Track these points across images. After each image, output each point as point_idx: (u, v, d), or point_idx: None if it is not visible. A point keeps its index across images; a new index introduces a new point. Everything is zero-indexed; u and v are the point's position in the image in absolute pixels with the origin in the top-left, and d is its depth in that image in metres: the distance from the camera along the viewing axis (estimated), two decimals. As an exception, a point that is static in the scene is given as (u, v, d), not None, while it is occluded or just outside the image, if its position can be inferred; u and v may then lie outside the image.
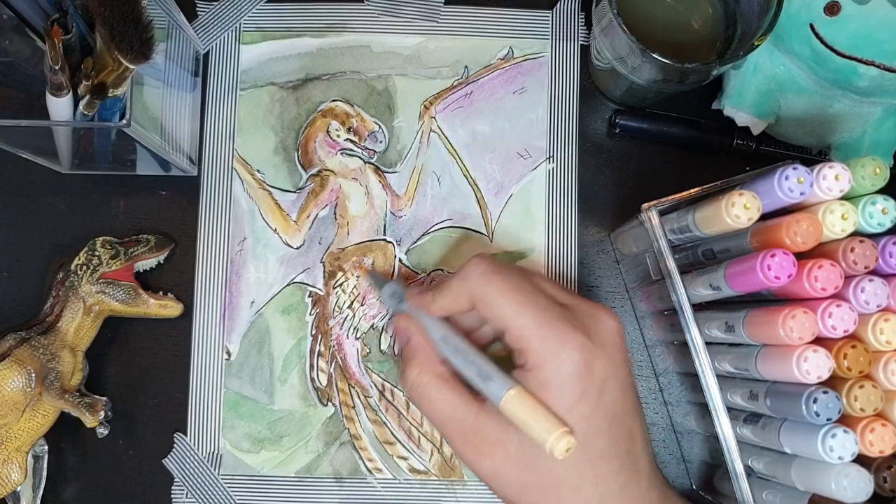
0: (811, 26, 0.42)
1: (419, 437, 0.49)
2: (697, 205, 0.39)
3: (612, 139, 0.52)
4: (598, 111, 0.52)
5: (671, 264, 0.40)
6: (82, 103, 0.39)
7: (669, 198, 0.41)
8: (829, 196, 0.36)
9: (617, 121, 0.51)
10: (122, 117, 0.40)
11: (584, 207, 0.51)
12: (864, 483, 0.34)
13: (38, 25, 0.38)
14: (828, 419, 0.34)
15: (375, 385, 0.49)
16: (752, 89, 0.47)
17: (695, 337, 0.40)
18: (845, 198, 0.36)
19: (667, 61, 0.40)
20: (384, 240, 0.51)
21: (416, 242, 0.51)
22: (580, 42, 0.52)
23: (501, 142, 0.51)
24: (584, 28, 0.52)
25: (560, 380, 0.37)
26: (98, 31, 0.37)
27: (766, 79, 0.46)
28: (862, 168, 0.36)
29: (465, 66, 0.52)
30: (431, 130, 0.51)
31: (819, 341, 0.35)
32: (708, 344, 0.40)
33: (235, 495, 0.48)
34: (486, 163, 0.51)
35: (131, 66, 0.38)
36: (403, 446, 0.49)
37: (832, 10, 0.41)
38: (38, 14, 0.38)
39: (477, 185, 0.51)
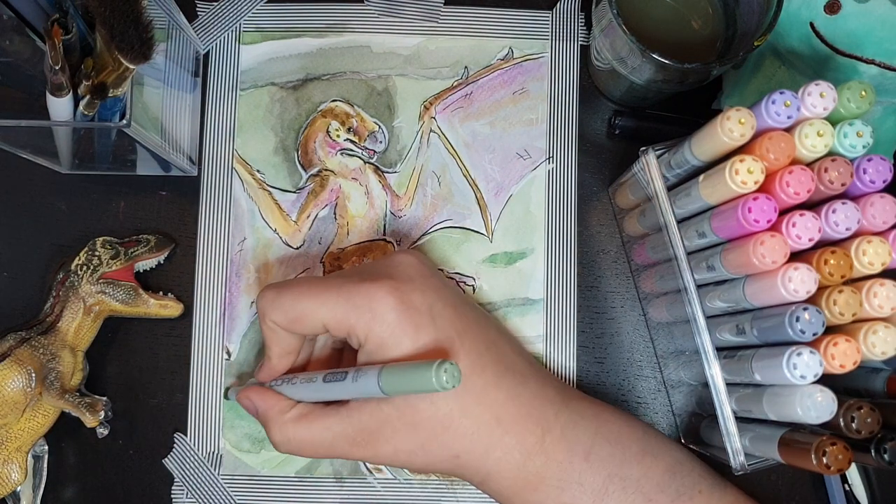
0: (811, 25, 0.42)
1: (419, 438, 0.49)
2: (693, 135, 0.39)
3: (611, 140, 0.52)
4: (598, 112, 0.52)
5: (665, 201, 0.40)
6: (82, 103, 0.39)
7: (665, 143, 0.42)
8: (814, 114, 0.35)
9: (616, 121, 0.51)
10: (122, 117, 0.40)
11: (583, 208, 0.51)
12: (827, 403, 0.34)
13: (38, 25, 0.38)
14: (814, 334, 0.34)
15: (375, 385, 0.49)
16: (752, 89, 0.47)
17: (685, 277, 0.40)
18: (831, 122, 0.36)
19: (667, 62, 0.40)
20: (384, 240, 0.51)
21: (415, 242, 0.51)
22: (580, 42, 0.52)
23: (501, 142, 0.51)
24: (584, 28, 0.52)
25: (391, 330, 0.37)
26: (98, 32, 0.37)
27: (765, 78, 0.46)
28: (848, 90, 0.36)
29: (465, 67, 0.52)
30: (431, 131, 0.51)
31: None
32: (699, 286, 0.40)
33: (235, 495, 0.48)
34: (485, 163, 0.51)
35: (131, 67, 0.38)
36: (403, 446, 0.49)
37: (832, 8, 0.41)
38: (38, 14, 0.38)
39: (477, 186, 0.51)
